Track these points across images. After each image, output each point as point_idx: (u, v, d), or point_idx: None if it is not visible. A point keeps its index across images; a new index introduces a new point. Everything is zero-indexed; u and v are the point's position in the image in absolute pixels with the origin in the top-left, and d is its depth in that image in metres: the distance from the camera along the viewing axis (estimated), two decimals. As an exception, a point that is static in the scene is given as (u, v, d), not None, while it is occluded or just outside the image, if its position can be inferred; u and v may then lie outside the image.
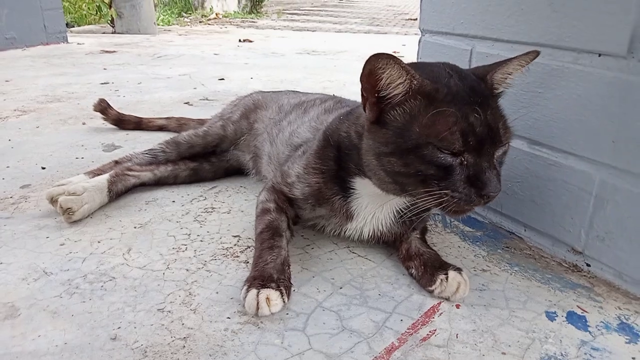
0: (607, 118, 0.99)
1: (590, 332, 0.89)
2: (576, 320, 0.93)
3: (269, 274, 0.93)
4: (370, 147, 0.93)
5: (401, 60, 0.84)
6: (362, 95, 0.91)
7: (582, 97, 1.03)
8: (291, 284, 0.96)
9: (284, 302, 0.90)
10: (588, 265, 1.08)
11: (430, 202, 0.87)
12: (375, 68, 0.85)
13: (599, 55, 0.99)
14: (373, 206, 1.06)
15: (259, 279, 0.91)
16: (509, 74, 0.95)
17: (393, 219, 1.08)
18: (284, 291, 0.91)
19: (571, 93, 1.05)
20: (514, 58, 0.93)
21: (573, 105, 1.05)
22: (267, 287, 0.89)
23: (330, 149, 1.07)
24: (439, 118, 0.84)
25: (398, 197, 1.00)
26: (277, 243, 1.02)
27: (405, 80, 0.86)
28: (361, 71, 0.87)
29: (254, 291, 0.89)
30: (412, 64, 0.92)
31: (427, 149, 0.85)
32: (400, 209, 1.06)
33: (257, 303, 0.87)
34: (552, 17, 1.07)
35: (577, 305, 0.97)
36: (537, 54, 0.94)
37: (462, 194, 0.84)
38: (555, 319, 0.93)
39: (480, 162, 0.85)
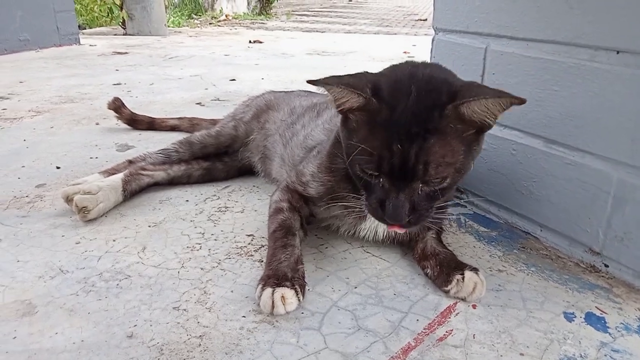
0: (626, 116, 0.98)
1: (610, 334, 0.88)
2: (595, 321, 0.91)
3: (283, 273, 0.92)
4: None
5: (343, 81, 0.87)
6: None
7: (599, 95, 1.02)
8: (305, 282, 0.96)
9: (298, 300, 0.90)
10: (606, 265, 1.06)
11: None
12: (322, 88, 0.89)
13: (617, 52, 0.98)
14: None
15: (274, 278, 0.91)
16: (486, 112, 0.85)
17: None
18: (299, 290, 0.91)
19: (588, 91, 1.04)
20: (494, 97, 0.82)
21: (590, 103, 1.04)
22: (282, 286, 0.89)
23: (340, 147, 1.07)
24: (368, 138, 0.88)
25: None
26: (290, 242, 1.01)
27: (352, 97, 0.88)
28: None
29: (269, 290, 0.89)
30: (391, 66, 0.97)
31: (355, 160, 0.90)
32: None
33: (273, 302, 0.87)
34: (568, 14, 1.06)
35: (596, 306, 0.96)
36: (521, 101, 0.82)
37: (374, 209, 0.91)
38: (573, 320, 0.91)
39: (391, 189, 0.88)
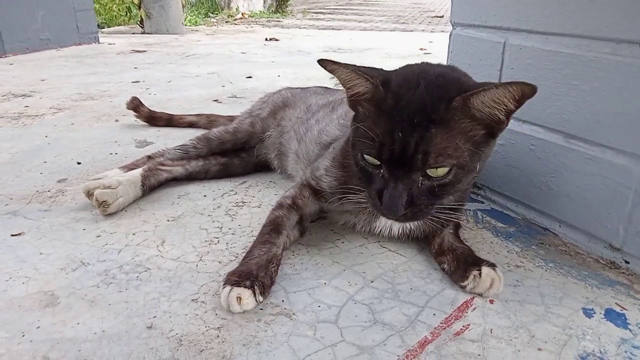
0: (648, 110, 0.96)
1: (630, 330, 0.87)
2: (615, 317, 0.90)
3: (248, 270, 0.92)
4: None
5: (349, 65, 0.88)
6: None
7: (621, 89, 1.01)
8: (273, 281, 0.95)
9: (256, 300, 0.89)
10: (627, 262, 1.05)
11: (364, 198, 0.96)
12: (327, 70, 0.91)
13: (640, 45, 0.97)
14: None
15: (237, 275, 0.91)
16: (496, 103, 0.83)
17: None
18: (257, 289, 0.89)
19: (609, 85, 1.03)
20: (497, 86, 0.82)
21: (611, 97, 1.02)
22: (240, 285, 0.89)
23: None
24: (373, 125, 0.88)
25: None
26: (271, 239, 1.01)
27: (360, 82, 0.90)
28: None
29: (227, 288, 0.89)
30: (406, 65, 0.98)
31: (358, 147, 0.91)
32: None
33: (230, 300, 0.88)
34: (589, 6, 1.05)
35: (616, 303, 0.94)
36: (529, 88, 0.81)
37: (373, 200, 0.91)
38: (592, 316, 0.90)
39: (389, 179, 0.87)
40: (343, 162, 1.09)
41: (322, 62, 0.89)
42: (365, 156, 0.90)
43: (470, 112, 0.85)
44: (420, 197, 0.87)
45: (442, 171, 0.86)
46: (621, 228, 1.04)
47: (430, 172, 0.86)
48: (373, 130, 0.87)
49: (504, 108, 0.84)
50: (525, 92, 0.81)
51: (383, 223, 1.10)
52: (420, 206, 0.88)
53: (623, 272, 1.04)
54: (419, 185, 0.87)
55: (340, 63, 0.88)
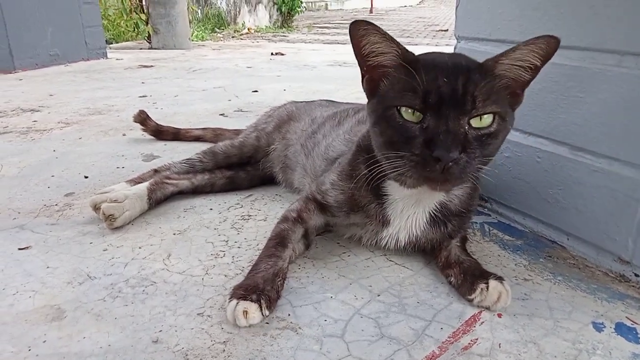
0: (655, 122, 0.96)
1: (641, 344, 0.86)
2: (626, 331, 0.89)
3: (254, 284, 0.92)
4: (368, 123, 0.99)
5: (382, 29, 0.89)
6: (361, 70, 0.96)
7: (627, 101, 1.00)
8: (279, 295, 0.94)
9: (262, 314, 0.88)
10: (636, 275, 1.03)
11: (391, 167, 0.90)
12: (356, 35, 0.91)
13: (645, 57, 0.97)
14: (408, 210, 1.05)
15: (243, 289, 0.91)
16: (523, 61, 0.88)
17: (427, 221, 1.06)
18: (264, 303, 0.89)
19: (615, 97, 1.03)
20: (524, 44, 0.87)
21: (617, 109, 1.02)
22: (247, 299, 0.88)
23: (362, 153, 1.08)
24: (410, 80, 0.87)
25: (429, 198, 1.03)
26: (277, 252, 1.01)
27: (390, 50, 0.91)
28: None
29: (234, 302, 0.89)
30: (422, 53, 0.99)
31: (393, 110, 0.89)
32: (432, 211, 1.05)
33: (236, 314, 0.87)
34: (592, 19, 1.05)
35: (627, 317, 0.93)
36: (554, 40, 0.86)
37: (419, 156, 0.85)
38: (603, 330, 0.89)
39: (438, 125, 0.85)
40: (351, 174, 1.09)
41: (356, 23, 0.89)
42: (404, 113, 0.88)
43: (497, 79, 0.89)
44: (471, 144, 0.86)
45: (486, 120, 0.87)
46: (630, 241, 1.03)
47: (475, 122, 0.87)
48: (411, 83, 0.87)
49: (529, 66, 0.89)
50: (550, 44, 0.86)
51: (390, 232, 1.09)
52: (470, 155, 0.85)
53: (633, 286, 1.03)
54: (467, 132, 0.86)
55: (375, 25, 0.89)
